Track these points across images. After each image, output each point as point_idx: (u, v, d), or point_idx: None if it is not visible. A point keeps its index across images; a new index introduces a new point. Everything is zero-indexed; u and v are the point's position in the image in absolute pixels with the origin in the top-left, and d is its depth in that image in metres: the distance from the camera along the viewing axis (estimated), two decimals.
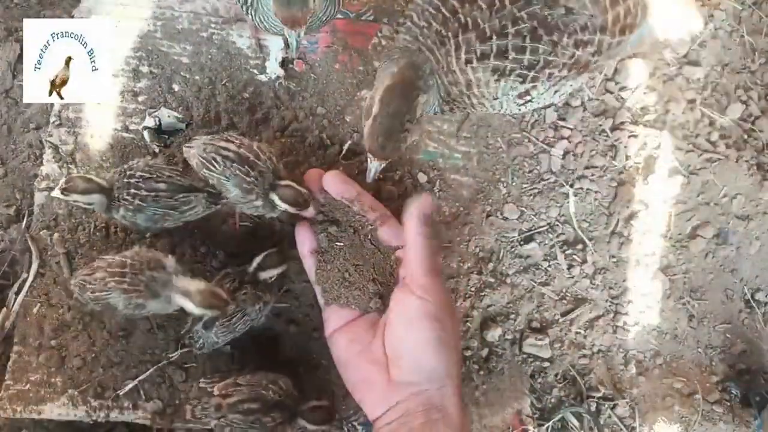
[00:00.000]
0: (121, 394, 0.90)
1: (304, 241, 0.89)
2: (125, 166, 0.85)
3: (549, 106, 1.08)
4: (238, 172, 0.80)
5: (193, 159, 0.83)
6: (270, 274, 0.88)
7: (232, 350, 0.93)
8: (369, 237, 0.87)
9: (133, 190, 0.82)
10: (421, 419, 0.75)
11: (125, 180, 0.83)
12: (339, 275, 0.86)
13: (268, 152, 0.83)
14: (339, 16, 1.07)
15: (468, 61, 0.76)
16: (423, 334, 0.76)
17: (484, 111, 0.84)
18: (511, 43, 0.73)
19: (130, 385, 0.91)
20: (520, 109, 0.85)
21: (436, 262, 0.81)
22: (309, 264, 0.89)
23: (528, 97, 0.81)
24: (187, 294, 0.79)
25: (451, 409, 0.76)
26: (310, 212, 0.85)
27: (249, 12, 0.86)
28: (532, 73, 0.76)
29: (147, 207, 0.83)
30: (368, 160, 0.81)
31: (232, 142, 0.82)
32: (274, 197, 0.82)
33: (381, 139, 0.76)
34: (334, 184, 0.87)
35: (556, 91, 0.82)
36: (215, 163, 0.80)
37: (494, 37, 0.74)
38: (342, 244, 0.87)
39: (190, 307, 0.79)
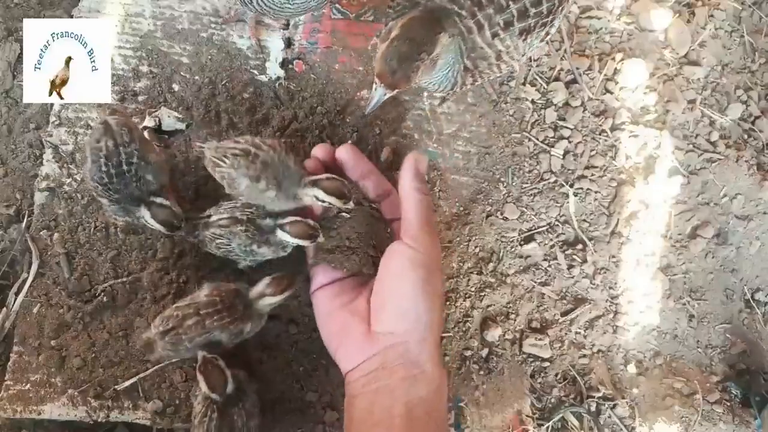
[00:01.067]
0: (119, 389, 0.90)
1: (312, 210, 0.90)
2: (95, 180, 0.81)
3: None
4: (242, 161, 0.82)
5: (208, 164, 0.86)
6: (294, 241, 0.86)
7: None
8: (373, 208, 0.90)
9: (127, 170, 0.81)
10: (401, 374, 0.75)
11: (108, 172, 0.80)
12: (339, 240, 0.87)
13: (270, 143, 0.84)
14: (339, 16, 1.07)
15: (494, 35, 0.77)
16: (411, 282, 0.77)
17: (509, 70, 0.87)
18: (527, 1, 0.75)
19: (130, 381, 0.91)
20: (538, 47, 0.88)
21: (430, 217, 0.83)
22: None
23: (548, 37, 0.84)
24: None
25: (428, 365, 0.76)
26: (350, 206, 0.85)
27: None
28: (551, 17, 0.79)
29: (148, 155, 0.84)
30: (373, 87, 0.78)
31: (239, 141, 0.85)
32: (318, 192, 0.83)
33: (393, 62, 0.74)
34: (348, 155, 0.89)
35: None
36: (225, 159, 0.83)
37: (510, 3, 0.75)
38: (348, 215, 0.88)
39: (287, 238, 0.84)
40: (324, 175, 0.84)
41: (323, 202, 0.83)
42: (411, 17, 0.75)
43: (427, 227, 0.81)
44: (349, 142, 1.02)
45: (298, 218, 0.84)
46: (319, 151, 0.90)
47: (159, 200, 0.83)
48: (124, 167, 0.81)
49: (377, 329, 0.79)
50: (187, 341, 0.80)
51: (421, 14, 0.76)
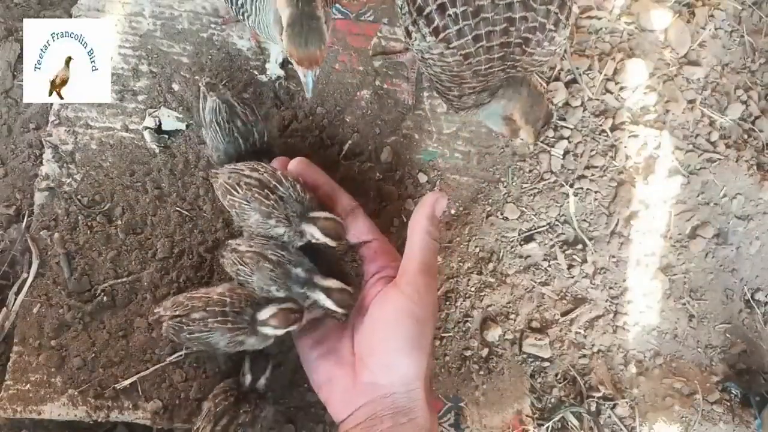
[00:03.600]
0: (119, 389, 0.90)
1: None
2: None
3: None
4: (257, 195, 0.80)
5: (219, 189, 0.84)
6: (277, 332, 0.83)
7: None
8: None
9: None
10: (388, 423, 0.74)
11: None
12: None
13: (294, 180, 0.82)
14: (339, 16, 1.07)
15: (551, 40, 0.78)
16: (402, 333, 0.75)
17: None
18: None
19: (130, 381, 0.91)
20: None
21: (433, 264, 0.80)
22: None
23: None
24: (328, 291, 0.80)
25: (418, 413, 0.75)
26: (342, 246, 0.83)
27: (242, 15, 0.85)
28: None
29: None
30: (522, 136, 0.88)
31: (257, 171, 0.82)
32: (313, 229, 0.80)
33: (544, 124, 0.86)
34: (299, 169, 0.86)
35: None
36: (238, 188, 0.81)
37: (550, 6, 0.76)
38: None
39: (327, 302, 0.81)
40: (322, 213, 0.81)
41: (318, 240, 0.81)
42: (517, 102, 0.83)
43: (427, 273, 0.78)
44: (349, 142, 1.02)
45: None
46: (275, 164, 0.87)
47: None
48: (257, 146, 0.90)
49: (364, 379, 0.77)
50: (188, 333, 0.79)
51: (521, 98, 0.82)
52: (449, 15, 0.75)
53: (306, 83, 0.78)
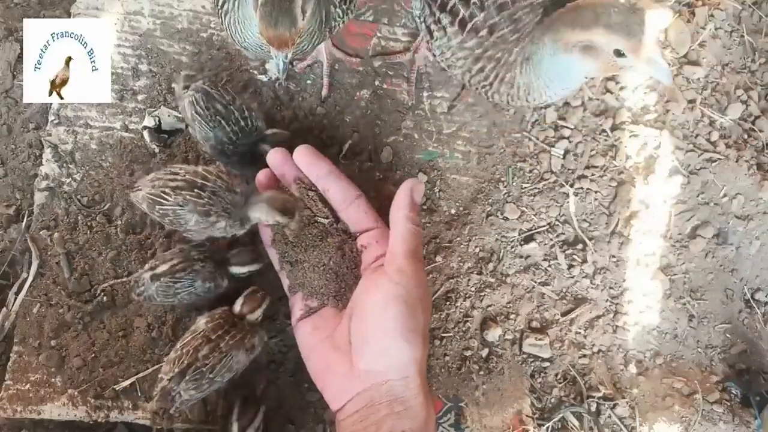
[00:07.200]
0: (119, 389, 0.90)
1: (266, 232, 0.90)
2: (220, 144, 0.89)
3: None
4: (189, 197, 0.80)
5: (143, 202, 0.83)
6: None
7: None
8: (334, 230, 0.87)
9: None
10: (385, 411, 0.74)
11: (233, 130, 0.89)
12: (299, 273, 0.87)
13: (216, 172, 0.83)
14: None
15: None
16: (393, 319, 0.75)
17: None
18: None
19: (130, 381, 0.91)
20: None
21: (417, 249, 0.81)
22: (273, 254, 0.91)
23: None
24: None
25: (414, 401, 0.75)
26: (293, 225, 0.84)
27: (222, 16, 0.83)
28: None
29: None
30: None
31: (178, 174, 0.82)
32: (263, 207, 0.82)
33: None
34: (305, 157, 0.87)
35: None
36: (166, 196, 0.80)
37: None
38: (304, 245, 0.87)
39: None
40: (267, 193, 0.83)
41: (267, 221, 0.83)
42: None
43: (413, 259, 0.79)
44: (349, 142, 1.02)
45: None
46: (274, 156, 0.88)
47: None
48: (242, 123, 0.88)
49: (360, 366, 0.77)
50: (209, 372, 0.78)
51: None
52: (474, 3, 0.76)
53: (277, 64, 0.76)
